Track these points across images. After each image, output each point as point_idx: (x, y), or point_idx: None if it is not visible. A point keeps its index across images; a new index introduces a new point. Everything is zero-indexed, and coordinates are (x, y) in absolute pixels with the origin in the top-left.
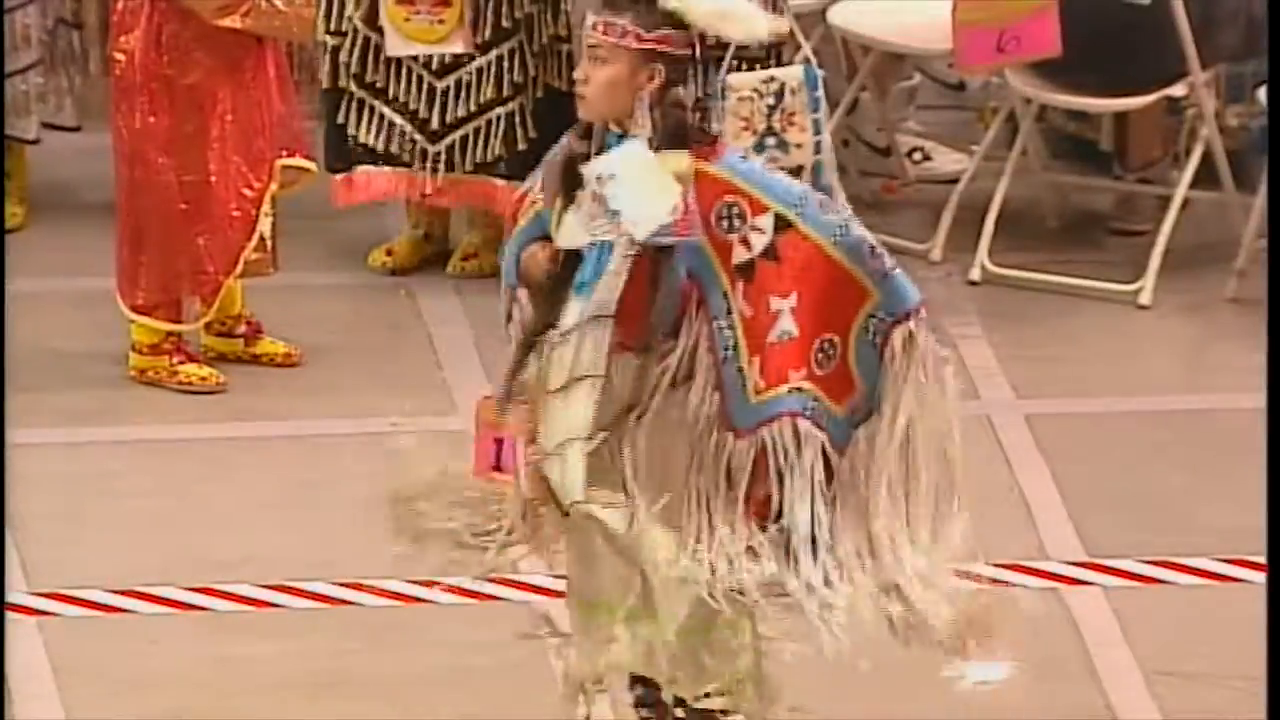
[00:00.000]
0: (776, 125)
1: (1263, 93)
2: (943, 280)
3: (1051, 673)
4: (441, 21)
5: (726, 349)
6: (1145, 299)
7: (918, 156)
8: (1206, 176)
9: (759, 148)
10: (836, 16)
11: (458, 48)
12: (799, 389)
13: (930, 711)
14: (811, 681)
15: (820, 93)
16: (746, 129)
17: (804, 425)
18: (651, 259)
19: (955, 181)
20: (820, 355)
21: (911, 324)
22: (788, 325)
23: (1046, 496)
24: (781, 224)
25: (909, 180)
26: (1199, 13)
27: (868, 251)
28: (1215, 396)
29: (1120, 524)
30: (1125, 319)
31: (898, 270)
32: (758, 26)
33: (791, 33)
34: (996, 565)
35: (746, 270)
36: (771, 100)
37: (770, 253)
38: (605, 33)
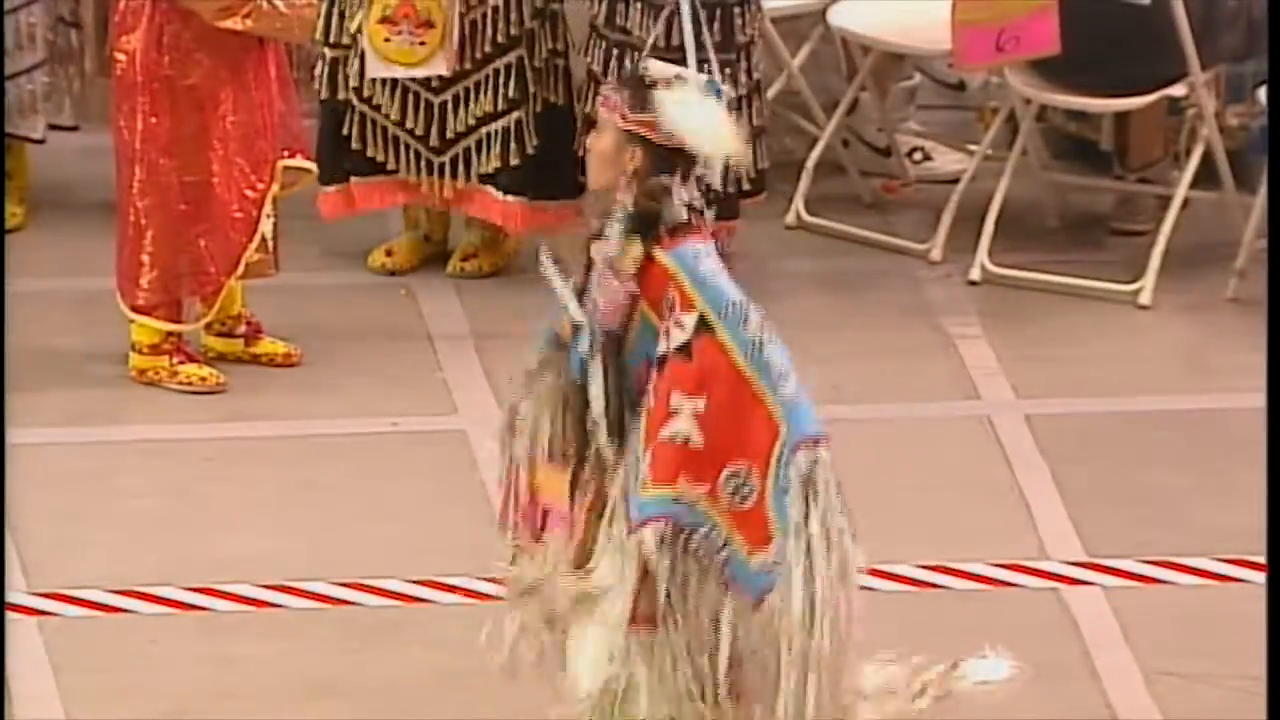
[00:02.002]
0: None
1: (1263, 93)
2: (943, 280)
3: (1051, 673)
4: (423, 43)
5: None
6: (1145, 299)
7: (918, 156)
8: (1206, 176)
9: None
10: (836, 16)
11: (440, 70)
12: (691, 504)
13: (930, 711)
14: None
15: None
16: None
17: (689, 540)
18: (604, 345)
19: (955, 181)
20: (733, 484)
21: (811, 454)
22: (685, 428)
23: (1046, 496)
24: (703, 326)
25: (909, 180)
26: (1199, 14)
27: (775, 377)
28: (1215, 396)
29: (1120, 524)
30: (1125, 319)
31: (798, 400)
32: (725, 146)
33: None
34: (996, 565)
35: (660, 363)
36: None
37: (685, 350)
38: (604, 104)
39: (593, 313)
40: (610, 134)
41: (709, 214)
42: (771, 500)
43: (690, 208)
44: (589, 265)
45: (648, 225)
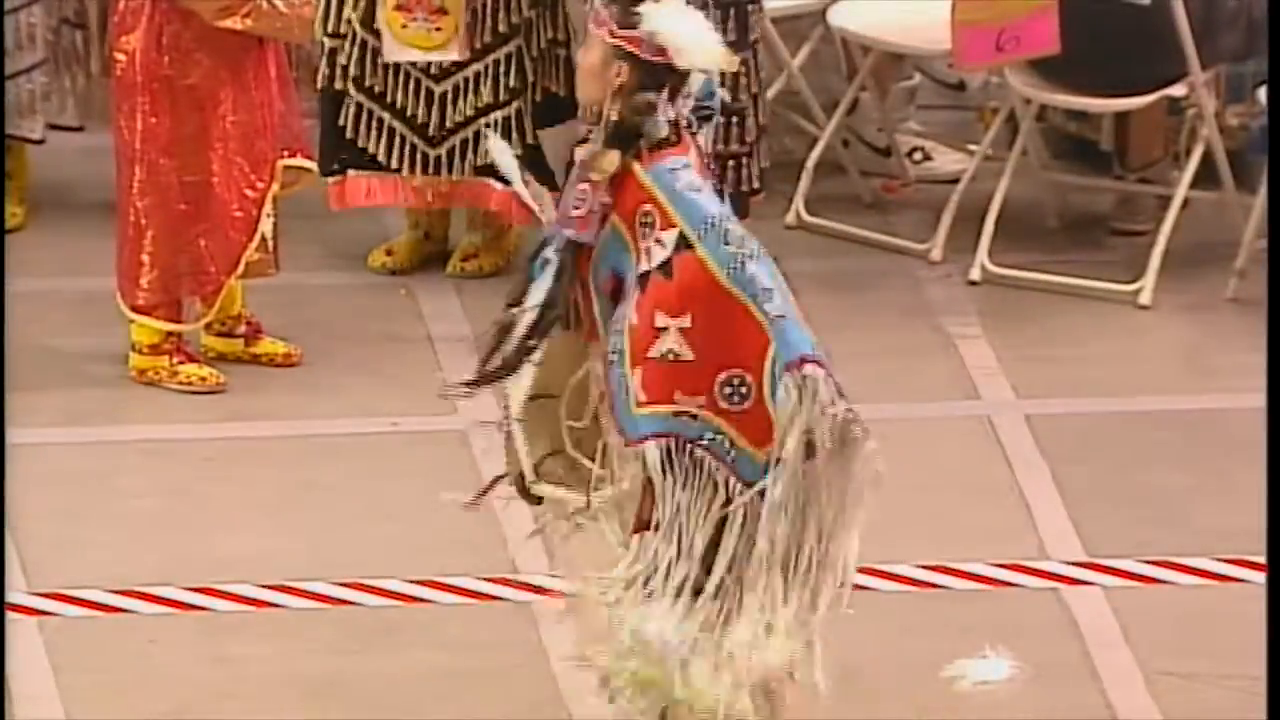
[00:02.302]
0: None
1: (1263, 93)
2: (943, 280)
3: (1051, 673)
4: (439, 29)
5: (614, 353)
6: (1145, 299)
7: (918, 156)
8: (1206, 176)
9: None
10: (836, 16)
11: (454, 55)
12: (690, 415)
13: (930, 711)
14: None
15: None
16: None
17: (695, 450)
18: (575, 256)
19: (955, 181)
20: (728, 390)
21: (802, 372)
22: (673, 345)
23: (1046, 496)
24: (683, 243)
25: (909, 180)
26: (1199, 14)
27: (759, 292)
28: (1215, 396)
29: (1120, 524)
30: (1125, 319)
31: (785, 318)
32: (712, 58)
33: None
34: (996, 565)
35: (642, 280)
36: None
37: (665, 268)
38: (592, 20)
39: (561, 216)
40: (598, 49)
41: (698, 131)
42: (769, 400)
43: (675, 124)
44: (569, 168)
45: (630, 139)
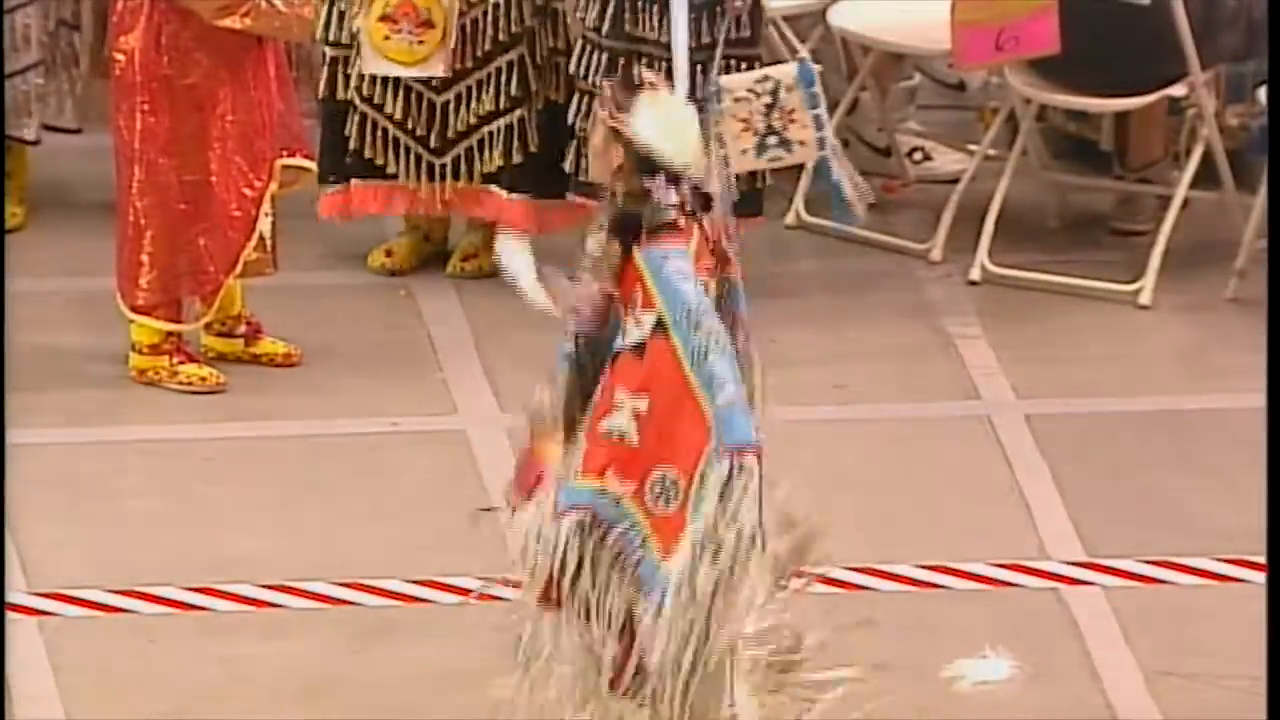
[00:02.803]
0: (777, 124)
1: (1263, 93)
2: (943, 280)
3: (1051, 673)
4: (422, 42)
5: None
6: (1145, 299)
7: (918, 156)
8: (1206, 176)
9: (760, 148)
10: (836, 16)
11: (437, 70)
12: (615, 499)
13: (930, 711)
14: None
15: (817, 88)
16: (746, 129)
17: (606, 535)
18: (590, 345)
19: (955, 181)
20: (658, 489)
21: (740, 461)
22: (623, 424)
23: (1046, 496)
24: (659, 327)
25: (909, 180)
26: (1199, 15)
27: (713, 383)
28: (1215, 396)
29: (1120, 524)
30: (1125, 319)
31: (734, 405)
32: (683, 155)
33: (784, 35)
34: (996, 565)
35: (614, 357)
36: (768, 99)
37: (639, 348)
38: (599, 100)
39: (567, 307)
40: (600, 130)
41: (707, 215)
42: (690, 509)
43: (681, 209)
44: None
45: (630, 225)
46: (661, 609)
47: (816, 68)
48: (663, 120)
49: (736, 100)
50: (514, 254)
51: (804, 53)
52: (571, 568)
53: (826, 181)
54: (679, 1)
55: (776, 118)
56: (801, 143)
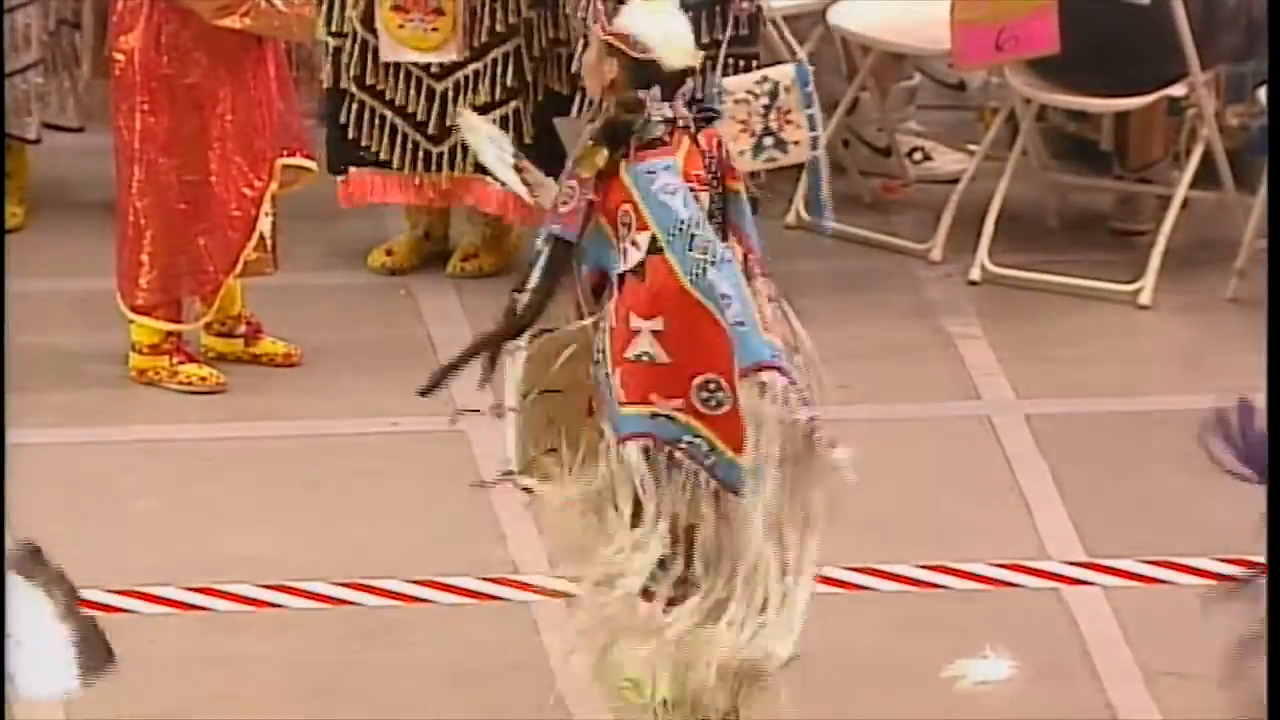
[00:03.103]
0: (773, 125)
1: (1263, 93)
2: (943, 280)
3: (1051, 673)
4: (435, 29)
5: (599, 353)
6: (1145, 299)
7: (918, 156)
8: (1206, 176)
9: (757, 148)
10: (836, 16)
11: (451, 56)
12: (669, 417)
13: (930, 711)
14: (812, 681)
15: (811, 89)
16: (744, 131)
17: (673, 452)
18: (565, 251)
19: (955, 181)
20: (704, 393)
21: (759, 379)
22: (648, 347)
23: (1046, 496)
24: (654, 246)
25: (909, 180)
26: (1200, 15)
27: (719, 299)
28: (1215, 397)
29: (1120, 524)
30: (1125, 319)
31: (744, 325)
32: (679, 55)
33: (783, 35)
34: (996, 565)
35: (619, 281)
36: (766, 100)
37: (639, 270)
38: (591, 15)
39: (550, 211)
40: (594, 45)
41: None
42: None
43: (671, 123)
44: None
45: (620, 137)
46: (754, 498)
47: (810, 68)
48: (657, 23)
49: (736, 102)
50: (478, 133)
51: (802, 54)
52: (651, 491)
53: (814, 180)
54: None
55: (773, 119)
56: (796, 143)
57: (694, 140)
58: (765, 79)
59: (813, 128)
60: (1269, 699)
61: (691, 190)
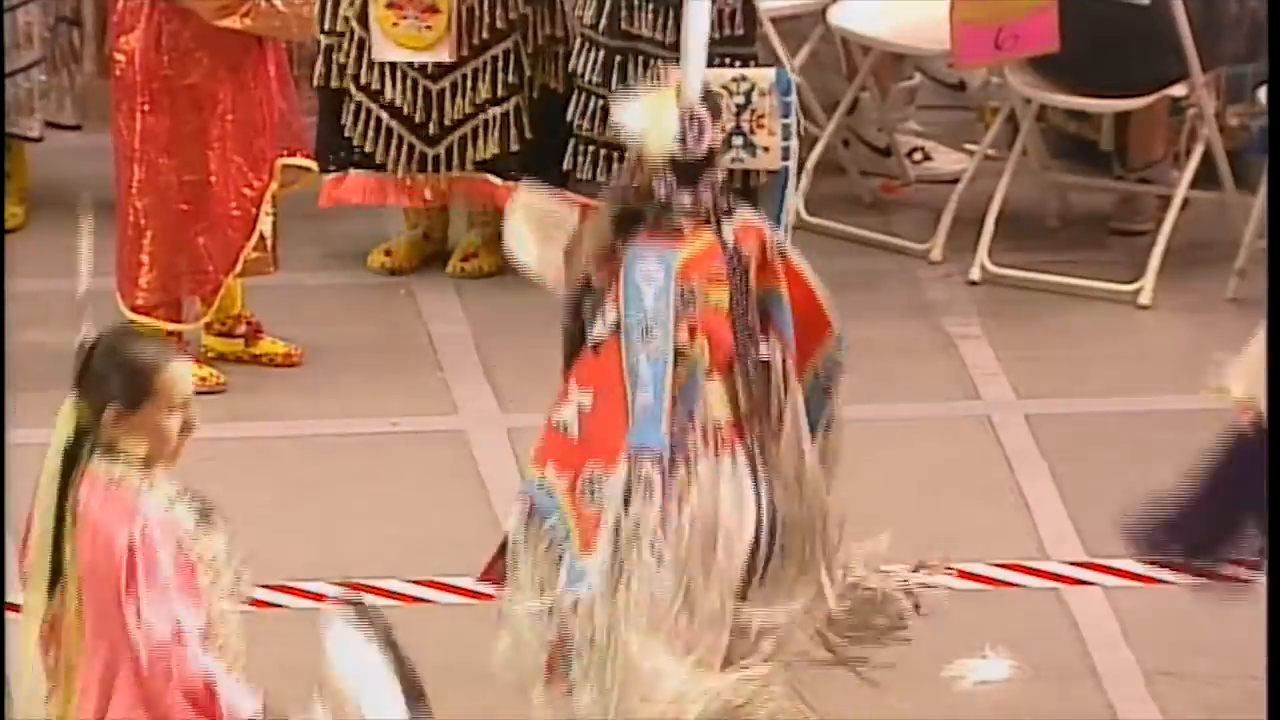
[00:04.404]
0: (745, 125)
1: (1263, 93)
2: (943, 280)
3: (1051, 673)
4: (429, 28)
5: None
6: (1145, 299)
7: (918, 156)
8: (1206, 176)
9: (724, 145)
10: (836, 16)
11: (444, 55)
12: (549, 492)
13: (930, 711)
14: (812, 681)
15: (793, 99)
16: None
17: (541, 524)
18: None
19: (955, 181)
20: (590, 487)
21: (639, 469)
22: (569, 418)
23: (1046, 496)
24: (616, 326)
25: (909, 180)
26: (1201, 18)
27: (638, 385)
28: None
29: (1120, 524)
30: (1125, 319)
31: (647, 412)
32: (656, 150)
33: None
34: (996, 565)
35: (584, 350)
36: (741, 99)
37: (598, 345)
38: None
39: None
40: None
41: (730, 220)
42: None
43: (694, 213)
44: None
45: (628, 219)
46: (578, 604)
47: (796, 79)
48: (645, 115)
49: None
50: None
51: (789, 63)
52: (513, 556)
53: (778, 194)
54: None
55: (746, 119)
56: (766, 149)
57: (719, 233)
58: (744, 78)
59: (785, 138)
60: (1269, 699)
61: (692, 288)
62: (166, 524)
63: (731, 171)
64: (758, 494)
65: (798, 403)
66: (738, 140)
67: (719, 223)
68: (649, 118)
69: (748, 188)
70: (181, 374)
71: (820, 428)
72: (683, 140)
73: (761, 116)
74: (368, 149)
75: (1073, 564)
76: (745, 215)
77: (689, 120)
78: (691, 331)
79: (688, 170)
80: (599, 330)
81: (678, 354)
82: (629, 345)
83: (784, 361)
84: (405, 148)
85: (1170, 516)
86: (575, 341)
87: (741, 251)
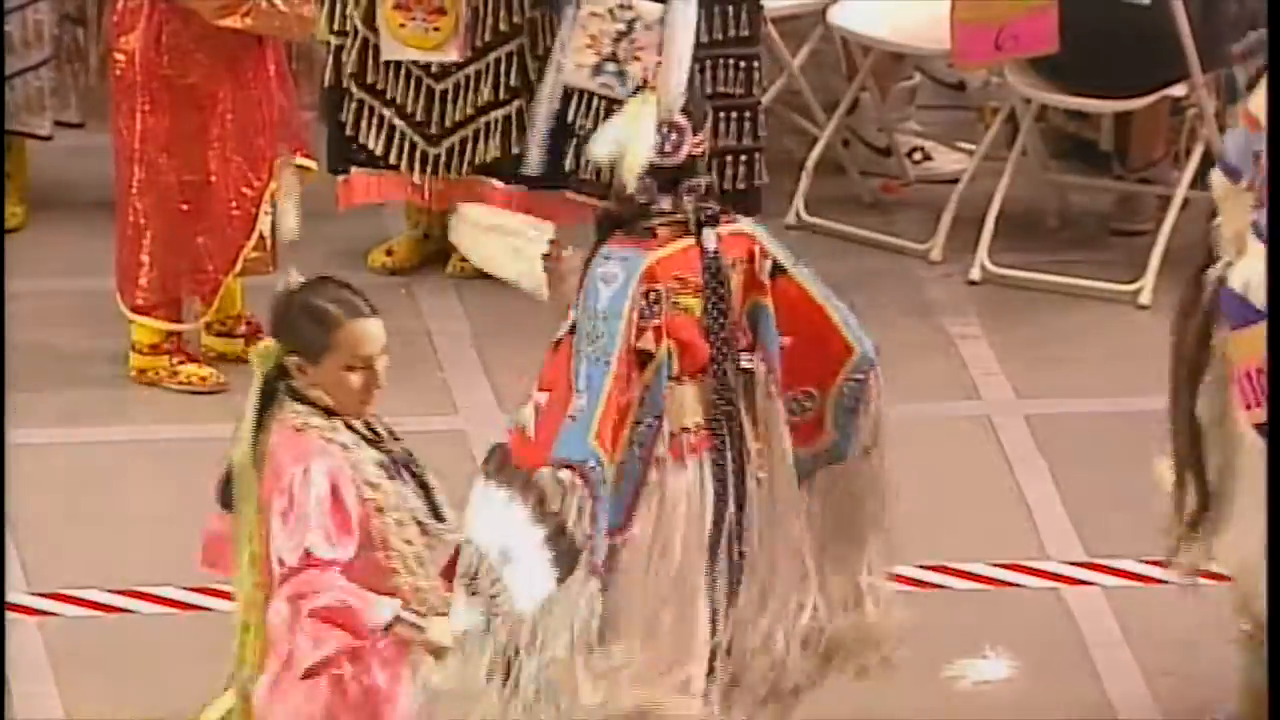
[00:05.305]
0: (621, 54)
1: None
2: (943, 280)
3: (1051, 673)
4: (436, 29)
5: None
6: (1145, 299)
7: (918, 156)
8: (1206, 176)
9: (597, 69)
10: (836, 16)
11: (452, 56)
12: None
13: (930, 711)
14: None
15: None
16: (591, 47)
17: None
18: None
19: (955, 181)
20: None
21: (558, 476)
22: (527, 416)
23: (1046, 496)
24: (571, 327)
25: (909, 180)
26: (1201, 18)
27: (577, 388)
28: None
29: (1120, 524)
30: (1125, 319)
31: (575, 421)
32: (629, 166)
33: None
34: (996, 565)
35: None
36: (622, 27)
37: (557, 345)
38: None
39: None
40: None
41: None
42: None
43: (666, 217)
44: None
45: (607, 222)
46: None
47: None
48: (620, 129)
49: (593, 15)
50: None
51: (789, 64)
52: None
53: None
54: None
55: (624, 47)
56: (636, 81)
57: (699, 239)
58: (629, 6)
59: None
60: (1269, 699)
61: (659, 291)
62: (341, 471)
63: (734, 177)
64: (722, 501)
65: (778, 415)
66: (610, 67)
67: (699, 229)
68: (627, 125)
69: (747, 193)
70: (364, 331)
71: (853, 451)
72: (660, 148)
73: (641, 49)
74: (371, 147)
75: (1073, 564)
76: (739, 224)
77: (667, 129)
78: (658, 334)
79: (666, 176)
80: (561, 329)
81: (645, 357)
82: (579, 343)
83: (767, 373)
84: (407, 145)
85: None
86: None
87: (723, 259)
